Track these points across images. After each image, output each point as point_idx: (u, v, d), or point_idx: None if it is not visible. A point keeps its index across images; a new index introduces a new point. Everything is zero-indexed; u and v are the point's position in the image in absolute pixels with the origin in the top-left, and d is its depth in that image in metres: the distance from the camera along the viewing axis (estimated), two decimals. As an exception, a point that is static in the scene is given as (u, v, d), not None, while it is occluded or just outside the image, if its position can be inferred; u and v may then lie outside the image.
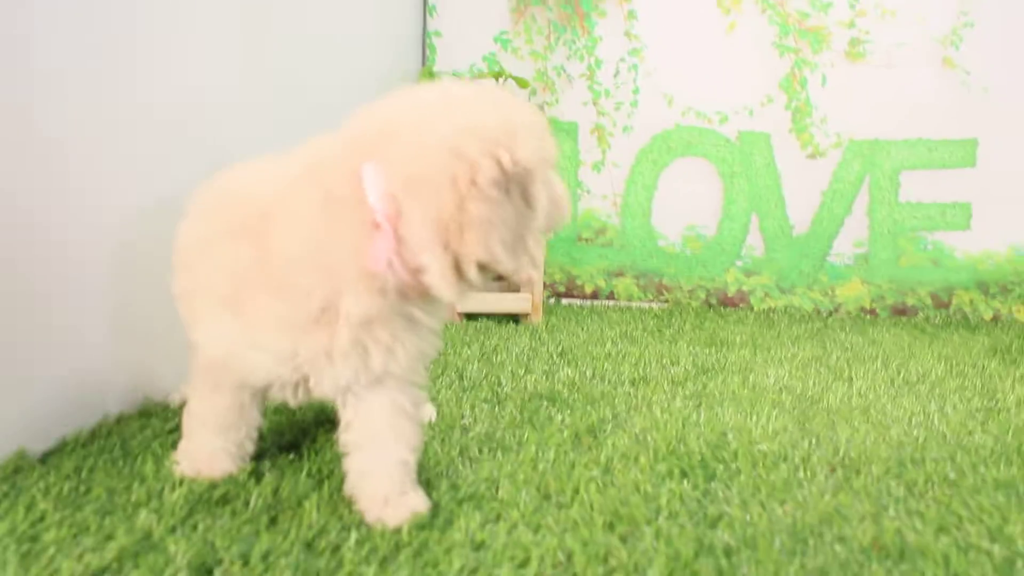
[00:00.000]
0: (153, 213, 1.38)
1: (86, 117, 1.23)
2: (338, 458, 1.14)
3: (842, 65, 2.69)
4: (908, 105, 2.68)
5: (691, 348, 2.05)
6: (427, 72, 2.65)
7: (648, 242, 2.80)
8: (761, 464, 1.20)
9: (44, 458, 1.14)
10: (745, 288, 2.79)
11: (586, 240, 2.82)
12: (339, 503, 1.01)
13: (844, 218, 2.74)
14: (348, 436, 1.02)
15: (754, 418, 1.44)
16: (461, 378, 1.64)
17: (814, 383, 1.73)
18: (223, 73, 1.58)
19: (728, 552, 0.92)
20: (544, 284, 2.75)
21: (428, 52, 2.78)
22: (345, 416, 1.03)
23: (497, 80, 2.43)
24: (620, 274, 2.82)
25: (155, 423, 1.29)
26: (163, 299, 1.41)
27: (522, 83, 2.44)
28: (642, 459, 1.19)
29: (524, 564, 0.88)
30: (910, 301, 2.73)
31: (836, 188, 2.73)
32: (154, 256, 1.39)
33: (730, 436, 1.31)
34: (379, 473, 0.99)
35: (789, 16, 2.68)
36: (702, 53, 2.74)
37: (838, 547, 0.94)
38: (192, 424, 1.10)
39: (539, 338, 2.10)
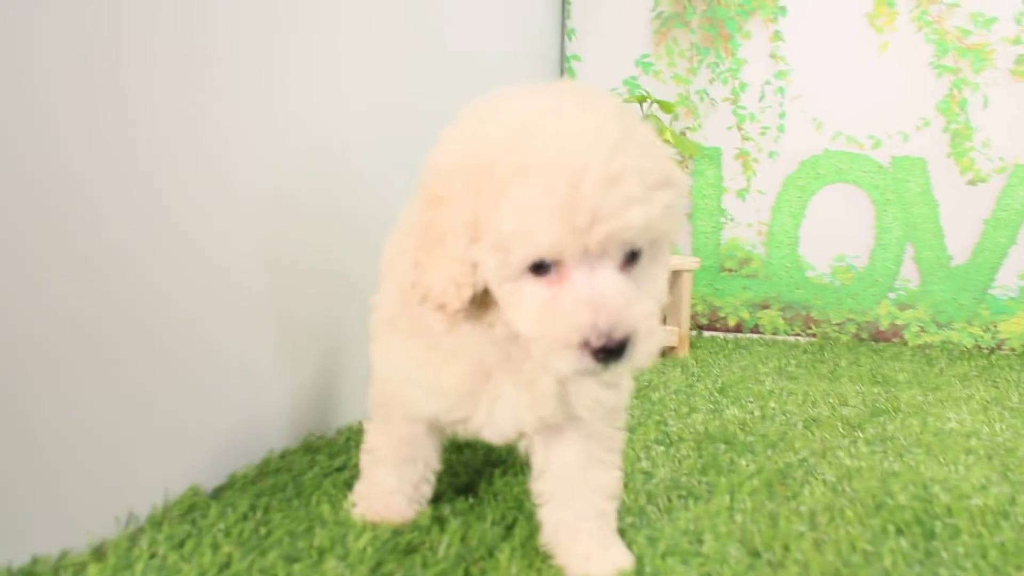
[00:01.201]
0: (303, 235, 1.36)
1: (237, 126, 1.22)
2: (521, 504, 1.07)
3: (1007, 84, 2.52)
4: (1080, 126, 2.49)
5: (855, 387, 1.93)
6: (567, 97, 2.59)
7: (795, 273, 2.67)
8: (980, 522, 1.08)
9: (215, 494, 1.10)
10: (899, 322, 2.63)
11: (729, 270, 2.71)
12: (532, 555, 0.94)
13: (1008, 248, 2.55)
14: (540, 486, 0.95)
15: (951, 468, 1.31)
16: (622, 415, 1.56)
17: (1001, 428, 1.59)
18: (369, 90, 1.56)
19: (981, 628, 0.82)
20: (684, 315, 2.65)
21: (567, 76, 2.73)
22: (535, 464, 0.96)
23: (641, 104, 2.36)
24: (765, 306, 2.69)
25: (321, 459, 1.24)
26: (318, 328, 1.39)
27: (667, 107, 2.36)
28: (848, 513, 1.08)
29: (752, 634, 0.79)
30: (1083, 338, 2.53)
31: (999, 216, 2.55)
32: (309, 281, 1.37)
33: (936, 488, 1.20)
34: (578, 527, 0.92)
35: (947, 34, 2.53)
36: (852, 75, 2.61)
37: (1107, 626, 0.83)
38: (367, 461, 1.06)
39: (692, 373, 2.01)
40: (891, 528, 1.05)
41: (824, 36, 2.61)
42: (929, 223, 2.59)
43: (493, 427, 0.90)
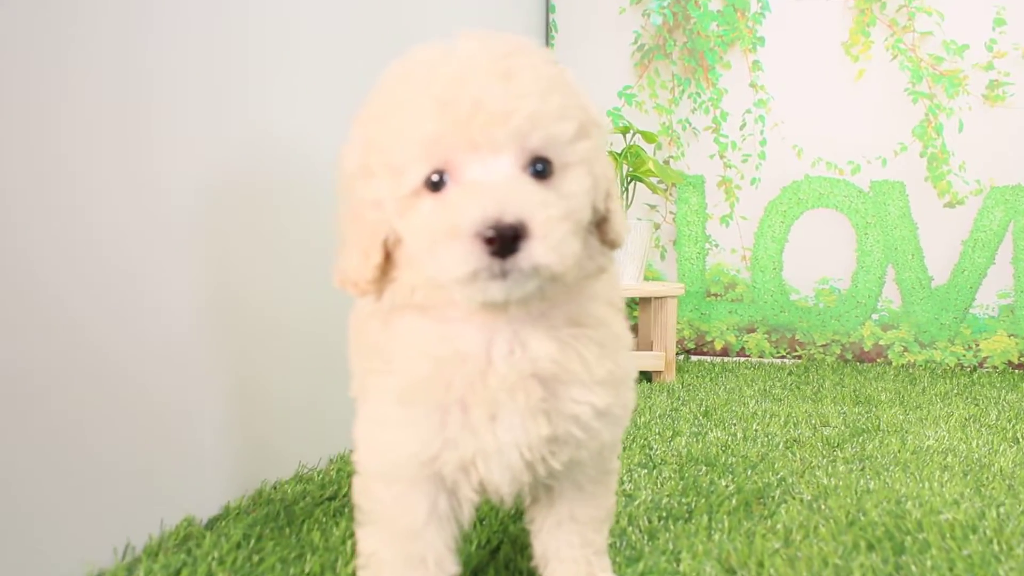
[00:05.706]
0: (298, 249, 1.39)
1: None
2: (506, 528, 1.11)
3: (980, 109, 2.59)
4: (1053, 148, 2.56)
5: (838, 407, 1.97)
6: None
7: (780, 296, 2.72)
8: (949, 536, 1.12)
9: (210, 524, 1.14)
10: (882, 343, 2.68)
11: (715, 295, 2.76)
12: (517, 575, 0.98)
13: (987, 268, 2.62)
14: (531, 513, 0.92)
15: (926, 484, 1.36)
16: (608, 440, 1.60)
17: (978, 444, 1.63)
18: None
19: (942, 636, 0.86)
20: (672, 340, 2.70)
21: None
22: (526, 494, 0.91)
23: (624, 135, 2.42)
24: (751, 330, 2.75)
25: (312, 489, 1.28)
26: (306, 360, 1.42)
27: (649, 137, 2.42)
28: (822, 529, 1.13)
29: (725, 646, 0.83)
30: (1063, 355, 2.59)
31: (977, 237, 2.61)
32: (297, 310, 1.41)
33: (908, 504, 1.24)
34: (563, 555, 0.90)
35: (922, 61, 2.61)
36: (831, 102, 2.68)
37: (1063, 632, 0.87)
38: None
39: (678, 397, 2.05)
40: (862, 543, 1.09)
41: (802, 65, 2.68)
42: (909, 245, 2.65)
43: (492, 454, 0.76)
